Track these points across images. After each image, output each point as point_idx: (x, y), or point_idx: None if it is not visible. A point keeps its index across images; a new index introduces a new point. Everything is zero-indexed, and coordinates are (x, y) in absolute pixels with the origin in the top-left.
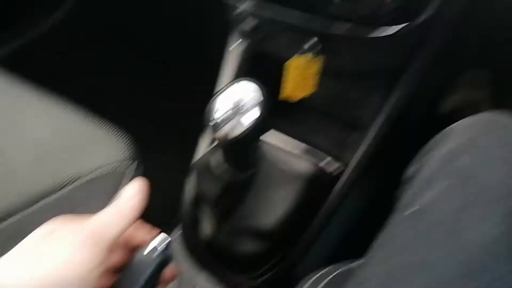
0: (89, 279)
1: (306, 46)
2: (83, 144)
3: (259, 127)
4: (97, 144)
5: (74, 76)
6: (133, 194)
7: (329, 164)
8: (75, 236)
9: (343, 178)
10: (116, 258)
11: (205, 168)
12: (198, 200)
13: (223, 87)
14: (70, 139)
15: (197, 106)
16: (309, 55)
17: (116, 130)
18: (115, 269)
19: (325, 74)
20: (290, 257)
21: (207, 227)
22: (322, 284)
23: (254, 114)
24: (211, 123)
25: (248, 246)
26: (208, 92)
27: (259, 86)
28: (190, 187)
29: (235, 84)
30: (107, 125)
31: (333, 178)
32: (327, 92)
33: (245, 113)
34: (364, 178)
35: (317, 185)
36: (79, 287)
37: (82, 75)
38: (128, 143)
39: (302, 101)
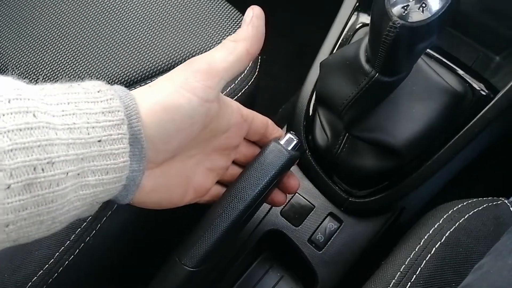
0: (199, 110)
1: None
2: (200, 22)
3: (449, 15)
4: (214, 23)
5: None
6: (246, 27)
7: (477, 85)
8: (188, 67)
9: (493, 104)
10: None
11: (337, 66)
12: (318, 102)
13: None
14: (187, 17)
15: None
16: None
17: (234, 12)
18: (230, 147)
19: None
20: (404, 185)
21: (321, 133)
22: (466, 216)
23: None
24: (389, 0)
25: (364, 162)
26: None
27: None
28: (307, 88)
29: None
30: (229, 7)
31: (480, 102)
32: (480, 2)
33: None
34: (510, 111)
35: (463, 105)
36: (189, 115)
37: None
38: None
39: None
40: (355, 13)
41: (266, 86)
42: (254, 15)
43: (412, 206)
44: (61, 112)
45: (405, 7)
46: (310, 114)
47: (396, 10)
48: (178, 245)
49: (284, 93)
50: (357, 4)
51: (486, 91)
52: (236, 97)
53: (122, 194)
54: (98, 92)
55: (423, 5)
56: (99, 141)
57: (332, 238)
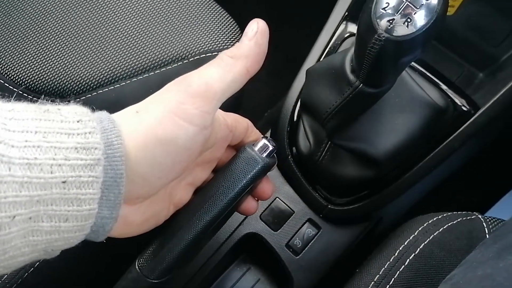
0: (196, 140)
1: None
2: (194, 24)
3: (433, 31)
4: (208, 27)
5: None
6: (248, 42)
7: (459, 100)
8: (182, 88)
9: (473, 120)
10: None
11: (323, 74)
12: (303, 109)
13: None
14: (182, 16)
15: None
16: None
17: (228, 17)
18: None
19: None
20: (383, 195)
21: (304, 140)
22: (441, 230)
23: (430, 14)
24: (375, 13)
25: (345, 170)
26: None
27: None
28: (293, 94)
29: None
30: (221, 11)
31: (461, 117)
32: (468, 19)
33: (419, 10)
34: (489, 127)
35: (444, 120)
36: (187, 147)
37: None
38: (238, 34)
39: None
40: (344, 22)
41: (253, 90)
42: (259, 30)
43: (389, 216)
44: (24, 143)
45: (391, 21)
46: (295, 120)
47: (382, 23)
48: (141, 253)
49: (271, 98)
50: (346, 13)
51: (467, 107)
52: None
53: (92, 236)
54: (78, 122)
55: (408, 20)
56: (64, 182)
57: (310, 244)
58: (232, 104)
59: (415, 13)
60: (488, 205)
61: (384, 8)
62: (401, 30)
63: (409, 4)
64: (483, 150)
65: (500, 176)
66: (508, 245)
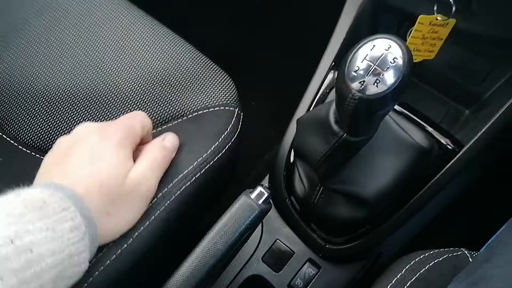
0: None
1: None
2: (191, 82)
3: (401, 88)
4: (204, 84)
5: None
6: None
7: (443, 140)
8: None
9: (458, 158)
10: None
11: (312, 124)
12: (296, 156)
13: (363, 42)
14: (180, 76)
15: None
16: (440, 16)
17: (223, 74)
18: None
19: (452, 41)
20: (378, 233)
21: (299, 184)
22: (427, 267)
23: (396, 74)
24: (348, 75)
25: (339, 211)
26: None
27: (403, 44)
28: (287, 141)
29: (377, 39)
30: (215, 67)
31: (446, 155)
32: (448, 61)
33: (387, 71)
34: (474, 164)
35: (429, 159)
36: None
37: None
38: (233, 89)
39: (419, 66)
40: (331, 71)
41: (252, 132)
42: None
43: (389, 250)
44: (44, 239)
45: (362, 82)
46: (291, 163)
47: (355, 84)
48: None
49: (271, 139)
50: (333, 63)
51: (452, 146)
52: (220, 154)
53: None
54: (63, 210)
55: (377, 81)
56: (71, 256)
57: (311, 284)
58: (230, 157)
59: (383, 74)
60: (477, 239)
61: (355, 71)
62: (373, 89)
63: (377, 68)
64: (472, 187)
65: (490, 211)
66: (476, 280)
